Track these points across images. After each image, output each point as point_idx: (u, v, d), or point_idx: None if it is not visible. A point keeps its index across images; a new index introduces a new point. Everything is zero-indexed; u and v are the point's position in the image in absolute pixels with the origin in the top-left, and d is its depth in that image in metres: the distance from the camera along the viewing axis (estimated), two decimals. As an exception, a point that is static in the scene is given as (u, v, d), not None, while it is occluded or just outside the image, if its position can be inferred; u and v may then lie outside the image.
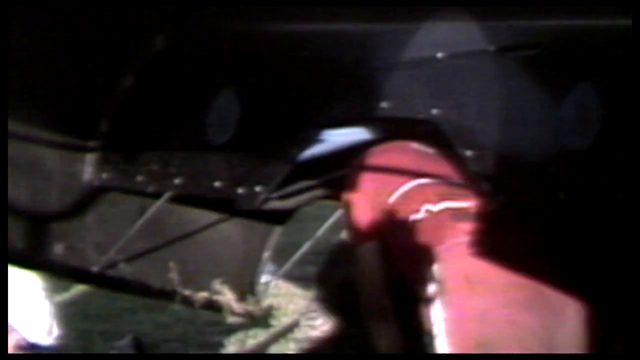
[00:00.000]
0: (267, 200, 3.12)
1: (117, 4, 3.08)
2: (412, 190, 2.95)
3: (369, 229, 3.05)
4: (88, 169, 3.37)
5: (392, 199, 2.97)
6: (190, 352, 5.32)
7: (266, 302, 5.71)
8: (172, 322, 6.29)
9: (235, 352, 4.56)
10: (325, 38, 2.95)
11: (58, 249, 3.27)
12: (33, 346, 3.80)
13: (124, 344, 3.42)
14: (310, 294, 4.60)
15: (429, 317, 2.71)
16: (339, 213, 3.68)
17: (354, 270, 3.26)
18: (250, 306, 4.01)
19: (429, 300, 2.72)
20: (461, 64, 2.75)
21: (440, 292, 2.70)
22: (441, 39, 2.75)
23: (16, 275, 3.74)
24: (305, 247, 4.45)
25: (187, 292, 3.71)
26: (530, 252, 2.71)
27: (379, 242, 3.05)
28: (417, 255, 2.79)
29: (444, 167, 3.00)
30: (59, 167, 3.29)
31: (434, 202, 2.86)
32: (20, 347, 3.77)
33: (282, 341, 4.66)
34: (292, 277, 5.23)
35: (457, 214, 2.81)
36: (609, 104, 2.44)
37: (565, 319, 2.72)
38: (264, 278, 4.20)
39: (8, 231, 3.05)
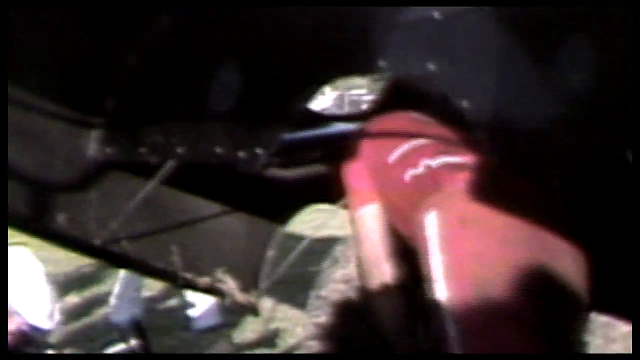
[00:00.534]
0: (268, 164, 3.14)
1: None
2: (410, 149, 2.98)
3: (368, 193, 3.08)
4: (93, 144, 3.40)
5: (390, 159, 2.99)
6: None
7: (274, 324, 5.76)
8: (179, 345, 6.33)
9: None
10: (323, 1, 2.99)
11: (60, 219, 3.29)
12: (34, 329, 3.79)
13: (125, 326, 3.41)
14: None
15: (427, 264, 2.70)
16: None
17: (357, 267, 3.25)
18: (252, 298, 3.99)
19: (427, 248, 2.70)
20: (457, 23, 2.77)
21: (437, 236, 2.69)
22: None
23: (18, 259, 3.77)
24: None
25: (188, 276, 3.69)
26: (526, 197, 2.70)
27: (379, 204, 3.04)
28: (415, 207, 2.78)
29: (442, 130, 3.03)
30: (64, 140, 3.32)
31: (432, 158, 2.88)
32: (21, 330, 3.76)
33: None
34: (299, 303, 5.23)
35: (455, 166, 2.82)
36: (601, 53, 2.44)
37: (562, 261, 2.72)
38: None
39: (11, 196, 3.06)
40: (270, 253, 4.31)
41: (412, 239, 2.87)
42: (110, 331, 4.84)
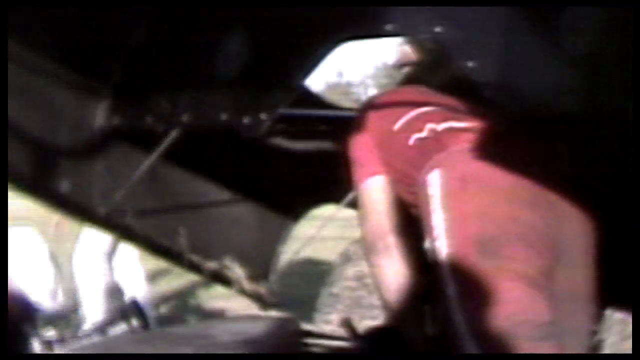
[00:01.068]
0: (273, 131, 3.11)
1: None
2: (416, 115, 2.93)
3: (374, 165, 3.02)
4: (100, 113, 3.39)
5: (396, 127, 2.93)
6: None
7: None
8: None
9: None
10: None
11: (64, 185, 3.26)
12: (35, 307, 3.75)
13: (125, 305, 3.36)
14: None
15: (429, 223, 2.62)
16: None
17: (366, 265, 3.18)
18: (261, 289, 3.94)
19: (429, 206, 2.63)
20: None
21: (440, 194, 2.62)
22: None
23: (23, 238, 3.74)
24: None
25: (195, 258, 3.65)
26: (532, 159, 2.63)
27: (385, 176, 2.98)
28: (419, 169, 2.72)
29: (449, 99, 2.98)
30: (71, 107, 3.32)
31: (438, 123, 2.82)
32: (22, 307, 3.72)
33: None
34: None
35: (461, 130, 2.76)
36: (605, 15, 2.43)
37: (570, 223, 2.64)
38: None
39: (15, 158, 3.04)
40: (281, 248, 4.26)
41: (417, 206, 2.78)
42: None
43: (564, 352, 2.54)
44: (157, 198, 3.66)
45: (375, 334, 3.17)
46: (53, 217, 5.26)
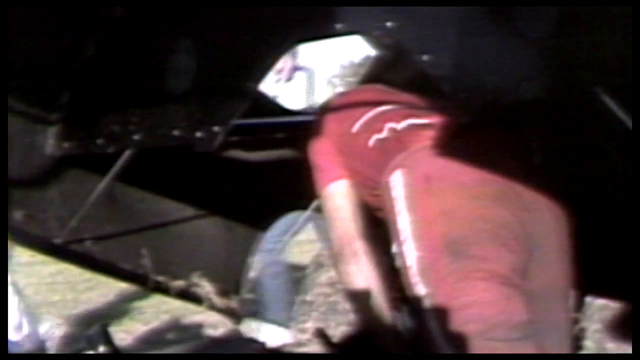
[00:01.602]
0: (228, 144, 3.02)
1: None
2: (374, 116, 2.84)
3: (335, 169, 2.92)
4: (50, 140, 3.29)
5: (355, 129, 2.84)
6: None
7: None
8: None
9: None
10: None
11: (17, 216, 3.15)
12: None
13: (92, 333, 3.24)
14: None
15: (395, 226, 2.52)
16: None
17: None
18: (233, 303, 3.84)
19: (394, 209, 2.54)
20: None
21: (404, 196, 2.52)
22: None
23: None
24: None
25: (161, 279, 3.55)
26: (497, 153, 2.54)
27: (347, 180, 2.88)
28: (381, 171, 2.62)
29: (407, 97, 2.89)
30: (20, 136, 3.21)
31: (398, 122, 2.73)
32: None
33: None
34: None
35: (421, 127, 2.67)
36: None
37: (541, 216, 2.55)
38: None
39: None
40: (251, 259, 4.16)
41: (382, 209, 2.69)
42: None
43: (543, 350, 2.45)
44: (116, 221, 3.57)
45: (349, 342, 3.08)
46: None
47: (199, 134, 2.96)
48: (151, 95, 3.15)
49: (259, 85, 2.98)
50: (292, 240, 4.68)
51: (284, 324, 4.45)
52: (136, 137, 3.10)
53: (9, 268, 3.66)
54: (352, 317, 3.67)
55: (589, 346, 3.60)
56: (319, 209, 3.36)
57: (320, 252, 4.38)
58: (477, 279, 2.41)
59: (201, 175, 3.72)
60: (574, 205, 2.68)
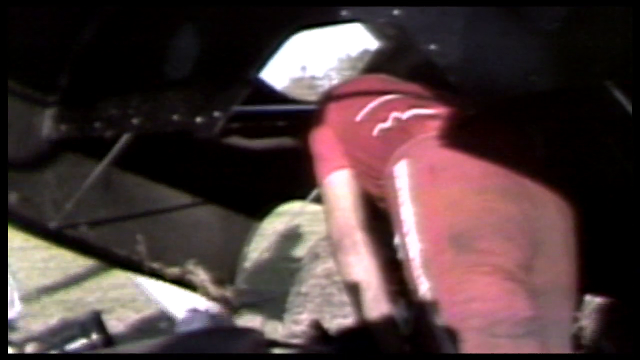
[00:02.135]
0: (229, 130, 2.97)
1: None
2: (379, 104, 2.79)
3: (337, 159, 2.87)
4: (47, 123, 3.23)
5: (358, 118, 2.79)
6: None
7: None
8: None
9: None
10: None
11: (12, 198, 3.09)
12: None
13: (85, 320, 3.19)
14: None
15: (398, 217, 2.48)
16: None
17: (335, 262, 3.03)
18: (228, 293, 3.79)
19: (397, 200, 2.49)
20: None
21: (408, 186, 2.47)
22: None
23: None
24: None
25: (155, 266, 3.49)
26: (503, 145, 2.50)
27: (349, 170, 2.83)
28: (385, 160, 2.57)
29: (411, 87, 2.84)
30: (17, 117, 3.13)
31: (403, 111, 2.68)
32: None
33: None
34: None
35: (427, 117, 2.62)
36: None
37: (547, 210, 2.50)
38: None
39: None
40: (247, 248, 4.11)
41: (385, 199, 2.64)
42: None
43: (546, 347, 2.40)
44: (112, 206, 3.52)
45: (346, 335, 3.03)
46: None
47: (199, 119, 2.90)
48: (151, 80, 3.09)
49: (261, 72, 2.91)
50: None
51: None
52: (135, 121, 3.04)
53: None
54: (347, 309, 3.63)
55: (587, 345, 3.57)
56: (317, 199, 3.32)
57: (317, 244, 4.33)
58: (481, 273, 2.37)
59: (199, 162, 3.68)
60: (577, 202, 2.63)
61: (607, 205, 2.75)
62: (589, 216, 2.65)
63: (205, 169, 3.78)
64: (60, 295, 8.24)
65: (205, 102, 2.91)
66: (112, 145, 3.19)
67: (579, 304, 2.94)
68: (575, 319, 2.94)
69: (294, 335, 4.05)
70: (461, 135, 2.51)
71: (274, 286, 6.44)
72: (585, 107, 2.46)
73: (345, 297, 3.46)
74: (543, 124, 2.63)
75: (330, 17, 2.74)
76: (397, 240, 2.55)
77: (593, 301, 3.56)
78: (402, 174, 2.51)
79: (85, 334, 3.27)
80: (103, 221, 3.43)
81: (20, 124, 3.20)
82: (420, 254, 2.43)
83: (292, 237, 7.76)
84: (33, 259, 9.46)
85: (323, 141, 2.89)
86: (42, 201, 3.24)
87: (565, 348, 2.59)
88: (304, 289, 4.26)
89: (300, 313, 4.20)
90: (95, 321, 3.33)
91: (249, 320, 4.93)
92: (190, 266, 3.69)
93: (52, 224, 3.24)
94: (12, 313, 3.69)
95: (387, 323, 2.80)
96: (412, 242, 2.44)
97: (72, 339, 3.31)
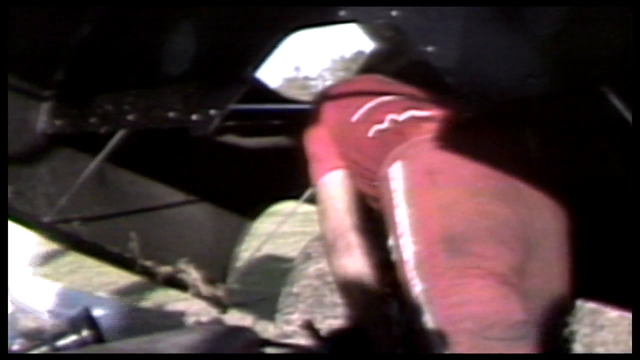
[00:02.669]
0: (224, 128, 2.97)
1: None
2: (375, 106, 2.78)
3: (332, 159, 2.86)
4: (42, 117, 3.23)
5: (354, 118, 2.78)
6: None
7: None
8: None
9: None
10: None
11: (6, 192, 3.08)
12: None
13: (76, 316, 3.18)
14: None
15: (393, 219, 2.47)
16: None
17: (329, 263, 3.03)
18: (219, 292, 3.78)
19: (392, 201, 2.49)
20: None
21: (403, 188, 2.47)
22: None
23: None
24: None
25: (148, 264, 3.49)
26: (498, 148, 2.50)
27: (344, 170, 2.83)
28: (380, 162, 2.57)
29: (408, 89, 2.84)
30: (12, 111, 3.13)
31: (399, 113, 2.68)
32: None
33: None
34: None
35: (423, 119, 2.62)
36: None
37: (541, 214, 2.50)
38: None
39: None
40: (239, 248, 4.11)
41: (379, 201, 2.63)
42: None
43: (539, 350, 2.40)
44: (105, 202, 3.51)
45: (338, 336, 3.02)
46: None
47: (194, 117, 2.90)
48: (147, 76, 3.09)
49: (258, 70, 2.91)
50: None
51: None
52: (130, 117, 3.04)
53: None
54: (339, 310, 3.63)
55: (578, 350, 3.58)
56: (311, 199, 3.32)
57: (309, 244, 4.33)
58: (475, 276, 2.37)
59: (193, 160, 3.68)
60: (572, 206, 2.63)
61: (601, 210, 2.75)
62: (582, 221, 2.64)
63: (199, 167, 3.78)
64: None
65: (201, 100, 2.91)
66: (107, 141, 3.17)
67: (571, 308, 2.94)
68: (567, 324, 2.94)
69: (286, 336, 4.04)
70: (457, 138, 2.50)
71: (265, 286, 6.46)
72: (581, 112, 2.46)
73: (337, 298, 3.46)
74: (538, 127, 2.62)
75: (329, 18, 2.74)
76: (391, 241, 2.54)
77: (584, 306, 3.56)
78: (397, 175, 2.51)
79: (75, 330, 3.25)
80: (96, 217, 3.41)
81: (15, 118, 3.19)
82: (413, 255, 2.42)
83: (284, 237, 7.78)
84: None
85: (318, 141, 2.89)
86: (35, 195, 3.24)
87: (555, 351, 2.59)
88: (295, 289, 4.25)
89: (291, 313, 4.19)
90: (86, 317, 3.32)
91: (240, 319, 4.91)
92: (182, 265, 3.67)
93: (45, 219, 3.22)
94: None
95: (380, 324, 2.80)
96: (406, 244, 2.44)
97: (63, 335, 3.30)
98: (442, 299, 2.38)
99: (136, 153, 3.34)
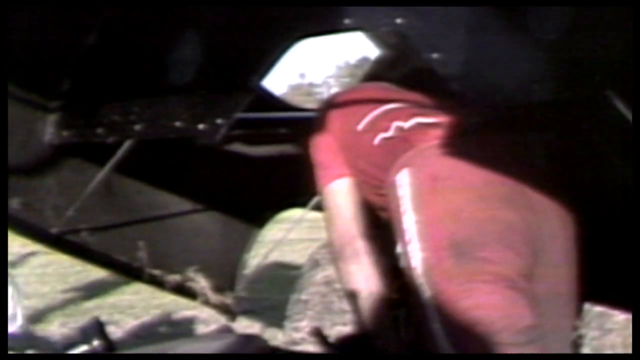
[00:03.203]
0: (231, 137, 2.97)
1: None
2: (381, 114, 2.79)
3: (338, 167, 2.87)
4: (49, 128, 3.24)
5: (360, 127, 2.79)
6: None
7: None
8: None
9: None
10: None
11: (14, 204, 3.10)
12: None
13: (86, 326, 3.18)
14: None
15: (400, 226, 2.48)
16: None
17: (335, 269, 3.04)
18: (227, 300, 3.79)
19: (399, 208, 2.49)
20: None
21: (410, 195, 2.48)
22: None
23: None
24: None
25: (156, 273, 3.50)
26: (505, 154, 2.50)
27: (350, 178, 2.84)
28: (387, 170, 2.58)
29: (413, 96, 2.84)
30: (19, 123, 3.14)
31: (404, 120, 2.68)
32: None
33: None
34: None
35: (429, 126, 2.63)
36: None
37: (548, 219, 2.50)
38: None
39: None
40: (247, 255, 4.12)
41: (386, 208, 2.64)
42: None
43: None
44: (113, 212, 3.52)
45: (346, 343, 3.03)
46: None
47: (201, 126, 2.92)
48: (154, 86, 3.10)
49: (263, 79, 2.92)
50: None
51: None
52: (137, 127, 3.05)
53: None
54: (348, 317, 3.63)
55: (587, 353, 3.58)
56: (318, 206, 3.32)
57: (317, 251, 4.34)
58: (483, 281, 2.37)
59: (200, 169, 3.69)
60: (578, 210, 2.64)
61: (607, 214, 2.75)
62: (589, 224, 2.65)
63: (206, 175, 3.79)
64: (59, 302, 8.25)
65: (207, 109, 2.92)
66: (114, 151, 3.18)
67: (579, 312, 2.94)
68: (575, 327, 2.94)
69: (294, 343, 4.05)
70: (463, 144, 2.51)
71: (273, 293, 6.48)
72: (586, 117, 2.46)
73: (345, 305, 3.47)
74: (544, 133, 2.63)
75: (334, 26, 2.74)
76: (399, 248, 2.55)
77: (592, 310, 3.56)
78: (404, 182, 2.52)
79: (86, 340, 3.26)
80: (104, 227, 3.42)
81: (23, 130, 3.20)
82: (422, 262, 2.43)
83: (291, 244, 7.80)
84: (31, 265, 9.46)
85: (324, 149, 2.90)
86: (43, 207, 3.25)
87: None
88: (304, 297, 4.26)
89: (300, 320, 4.20)
90: (97, 327, 3.33)
91: (248, 327, 4.92)
92: (191, 273, 3.68)
93: (54, 230, 3.23)
94: (12, 327, 3.66)
95: (388, 331, 2.80)
96: (413, 251, 2.45)
97: (73, 345, 3.31)
98: (450, 304, 2.38)
99: (143, 162, 3.35)
